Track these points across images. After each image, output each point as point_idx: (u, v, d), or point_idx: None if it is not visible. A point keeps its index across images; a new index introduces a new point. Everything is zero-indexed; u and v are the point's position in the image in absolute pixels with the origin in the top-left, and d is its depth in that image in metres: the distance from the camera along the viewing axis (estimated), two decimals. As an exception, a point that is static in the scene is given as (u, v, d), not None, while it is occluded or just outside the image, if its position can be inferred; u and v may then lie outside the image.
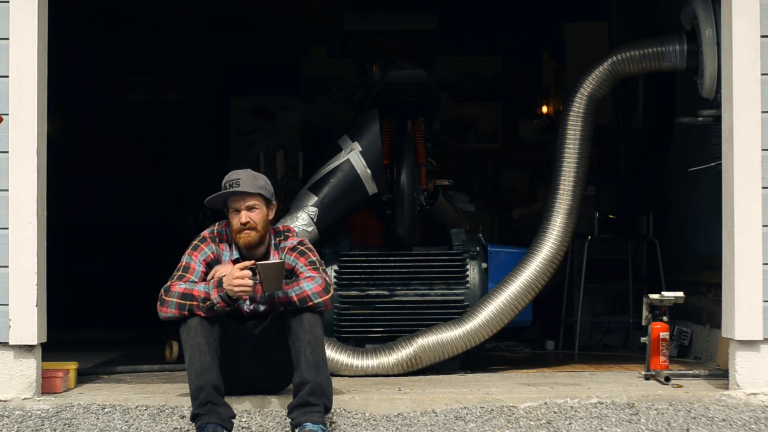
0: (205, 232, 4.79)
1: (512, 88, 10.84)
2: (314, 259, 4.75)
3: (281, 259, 4.73)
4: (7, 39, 4.90)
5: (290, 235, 4.83)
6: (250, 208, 4.67)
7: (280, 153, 8.12)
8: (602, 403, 4.82)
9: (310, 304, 4.60)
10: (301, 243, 4.80)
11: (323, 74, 10.76)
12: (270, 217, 4.76)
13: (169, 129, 10.91)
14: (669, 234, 7.56)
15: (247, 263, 4.57)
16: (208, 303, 4.53)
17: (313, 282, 4.63)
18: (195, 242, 4.76)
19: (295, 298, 4.60)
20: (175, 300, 4.55)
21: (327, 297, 4.64)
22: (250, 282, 4.53)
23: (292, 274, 4.72)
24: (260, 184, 4.71)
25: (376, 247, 6.51)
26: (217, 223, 4.82)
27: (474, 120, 10.84)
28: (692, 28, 5.80)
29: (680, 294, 5.50)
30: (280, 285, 4.55)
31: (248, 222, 4.66)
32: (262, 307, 4.74)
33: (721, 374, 5.37)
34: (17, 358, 4.89)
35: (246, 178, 4.68)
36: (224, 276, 4.55)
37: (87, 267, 10.39)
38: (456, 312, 5.97)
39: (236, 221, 4.67)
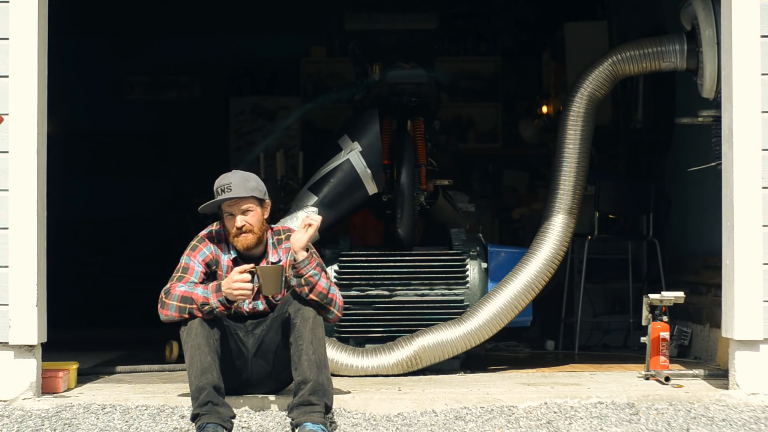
0: (203, 233, 4.79)
1: (512, 88, 10.84)
2: (319, 261, 4.74)
3: (279, 258, 4.73)
4: (7, 39, 4.90)
5: (291, 235, 4.80)
6: (244, 212, 4.65)
7: (280, 153, 8.12)
8: (602, 403, 4.82)
9: (331, 307, 4.65)
10: None
11: (323, 74, 10.77)
12: (265, 216, 4.74)
13: (169, 129, 10.91)
14: (669, 234, 7.56)
15: (247, 267, 4.56)
16: (206, 308, 4.53)
17: (339, 296, 4.70)
18: (193, 243, 4.76)
19: (324, 289, 4.62)
20: (175, 303, 4.55)
21: (339, 314, 4.72)
22: (250, 285, 4.53)
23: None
24: (251, 185, 4.68)
25: (376, 247, 6.50)
26: (215, 223, 4.81)
27: (474, 120, 10.84)
28: (692, 28, 5.80)
29: (680, 294, 5.50)
30: (279, 288, 4.55)
31: (244, 225, 4.65)
32: (261, 306, 4.74)
33: (721, 374, 5.37)
34: (17, 358, 4.89)
35: (237, 182, 4.64)
36: (223, 280, 4.56)
37: (87, 267, 10.40)
38: (456, 312, 5.96)
39: (232, 226, 4.66)
